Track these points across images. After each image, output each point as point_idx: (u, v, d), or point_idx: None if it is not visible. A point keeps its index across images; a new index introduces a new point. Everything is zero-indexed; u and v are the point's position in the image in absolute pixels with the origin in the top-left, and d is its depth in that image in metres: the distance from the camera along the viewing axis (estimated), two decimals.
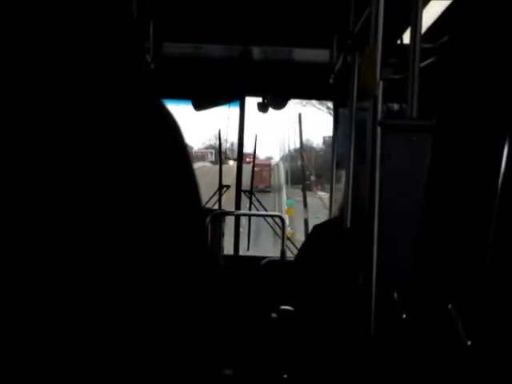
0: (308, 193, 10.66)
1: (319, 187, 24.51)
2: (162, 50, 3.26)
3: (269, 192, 25.44)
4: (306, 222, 7.99)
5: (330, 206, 3.86)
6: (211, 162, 32.23)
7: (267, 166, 28.75)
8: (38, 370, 0.51)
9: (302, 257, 2.59)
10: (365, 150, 1.86)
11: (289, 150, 29.91)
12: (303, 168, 10.17)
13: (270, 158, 34.30)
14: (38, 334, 0.51)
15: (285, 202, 22.52)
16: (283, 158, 31.89)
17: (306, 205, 8.51)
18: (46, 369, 0.52)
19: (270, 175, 28.48)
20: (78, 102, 0.56)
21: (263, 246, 12.26)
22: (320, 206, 19.41)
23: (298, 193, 21.06)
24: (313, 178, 23.99)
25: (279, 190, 26.92)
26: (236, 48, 3.61)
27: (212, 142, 37.04)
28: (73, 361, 0.52)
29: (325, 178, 24.17)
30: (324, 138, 26.32)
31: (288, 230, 6.08)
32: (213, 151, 34.45)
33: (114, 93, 0.59)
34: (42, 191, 0.52)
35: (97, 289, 0.53)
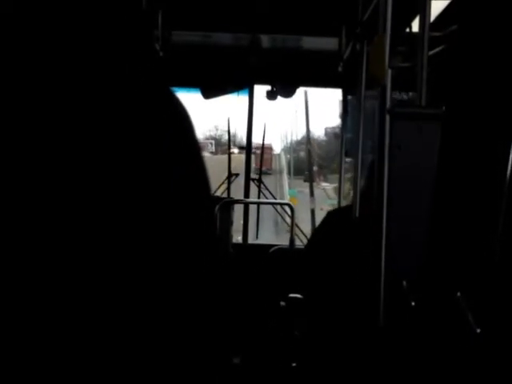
0: None
1: (322, 178, 24.40)
2: (170, 38, 3.25)
3: (270, 174, 25.50)
4: (312, 212, 7.74)
5: (339, 195, 3.86)
6: (211, 152, 32.20)
7: (269, 148, 28.76)
8: (39, 370, 0.51)
9: (313, 243, 2.60)
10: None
11: (291, 141, 29.87)
12: (310, 153, 9.68)
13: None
14: (38, 333, 0.51)
15: (287, 191, 22.43)
16: (284, 149, 31.82)
17: (312, 193, 8.22)
18: (46, 369, 0.51)
19: (271, 158, 28.54)
20: (84, 93, 0.55)
21: (264, 235, 12.06)
22: (324, 197, 19.32)
23: (299, 183, 20.94)
24: (315, 168, 23.87)
25: (280, 173, 27.03)
26: (245, 36, 3.60)
27: (212, 133, 36.99)
28: (76, 358, 0.52)
29: (328, 168, 24.09)
30: (326, 129, 26.27)
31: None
32: (213, 142, 34.41)
33: (122, 82, 0.58)
34: (46, 182, 0.51)
35: (103, 279, 0.53)
